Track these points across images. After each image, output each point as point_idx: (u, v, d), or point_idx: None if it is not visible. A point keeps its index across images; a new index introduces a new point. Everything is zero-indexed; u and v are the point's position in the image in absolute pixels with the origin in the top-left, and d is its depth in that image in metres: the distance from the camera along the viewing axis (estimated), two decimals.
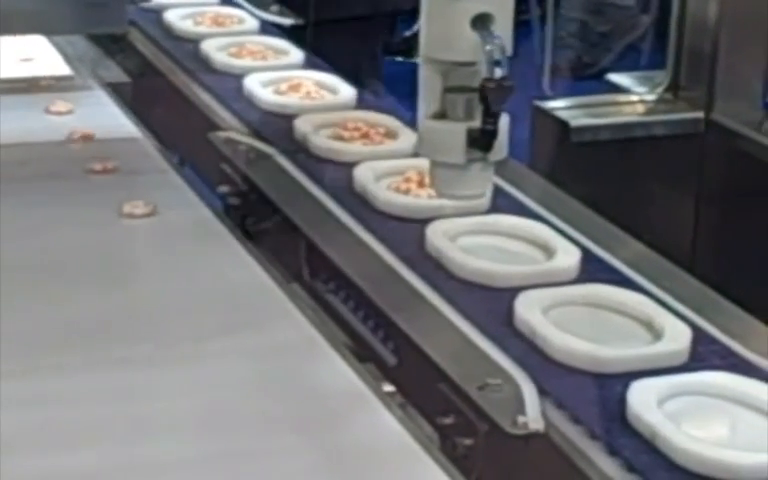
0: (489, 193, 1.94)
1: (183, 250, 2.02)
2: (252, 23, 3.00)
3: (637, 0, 5.40)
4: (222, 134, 2.42)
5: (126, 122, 2.53)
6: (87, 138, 2.46)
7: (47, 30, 2.73)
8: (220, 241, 2.04)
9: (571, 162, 2.74)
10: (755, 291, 1.91)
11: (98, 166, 2.29)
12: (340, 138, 2.27)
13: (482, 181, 1.76)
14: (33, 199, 2.18)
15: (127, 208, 2.11)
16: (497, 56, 1.67)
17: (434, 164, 1.74)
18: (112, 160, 2.32)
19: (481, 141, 1.69)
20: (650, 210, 2.62)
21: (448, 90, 1.72)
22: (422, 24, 1.74)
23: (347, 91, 2.51)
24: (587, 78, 5.00)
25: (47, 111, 2.56)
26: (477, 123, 1.69)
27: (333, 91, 2.52)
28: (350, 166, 2.13)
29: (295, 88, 2.51)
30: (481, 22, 1.68)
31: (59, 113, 2.57)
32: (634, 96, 2.91)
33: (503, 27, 1.68)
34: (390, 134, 2.27)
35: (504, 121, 1.68)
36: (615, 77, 3.16)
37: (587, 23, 5.99)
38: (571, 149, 2.80)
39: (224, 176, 2.33)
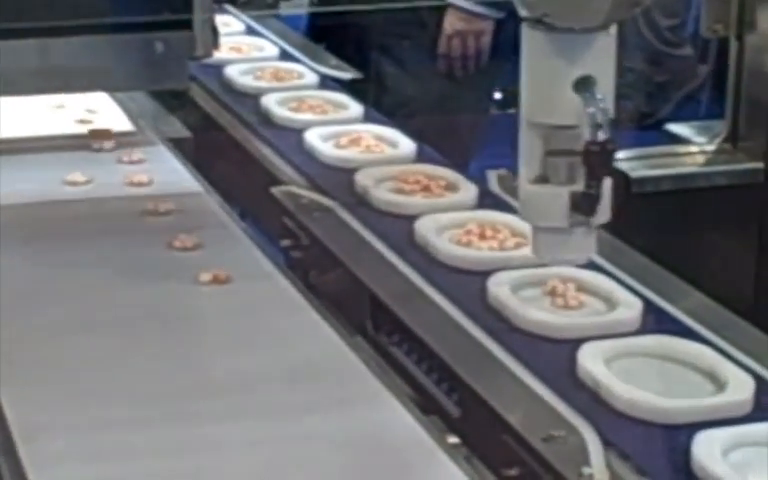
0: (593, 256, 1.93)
1: (245, 304, 2.05)
2: (312, 78, 3.04)
3: (695, 50, 5.37)
4: (283, 188, 2.45)
5: (187, 176, 2.57)
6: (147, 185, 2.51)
7: (109, 87, 2.77)
8: (283, 295, 2.07)
9: (632, 213, 2.67)
10: None
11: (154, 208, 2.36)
12: (401, 191, 2.30)
13: (585, 245, 1.75)
14: (99, 253, 2.23)
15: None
16: (600, 119, 1.66)
17: (536, 229, 1.74)
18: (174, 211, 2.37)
19: (584, 205, 1.68)
20: (711, 260, 2.60)
21: (550, 154, 1.71)
22: (522, 87, 1.74)
23: (407, 144, 2.54)
24: (646, 128, 4.99)
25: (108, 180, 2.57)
26: (580, 187, 1.67)
27: (393, 144, 2.55)
28: (411, 219, 2.16)
29: (355, 142, 2.55)
30: (583, 85, 1.67)
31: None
32: (693, 147, 2.90)
33: (605, 90, 1.67)
34: (451, 187, 2.30)
35: (607, 184, 1.68)
36: (674, 127, 3.16)
37: (645, 73, 5.97)
38: (631, 200, 2.78)
39: (286, 230, 2.36)
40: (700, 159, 2.75)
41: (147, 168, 2.57)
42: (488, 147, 4.23)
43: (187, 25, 2.56)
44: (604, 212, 1.69)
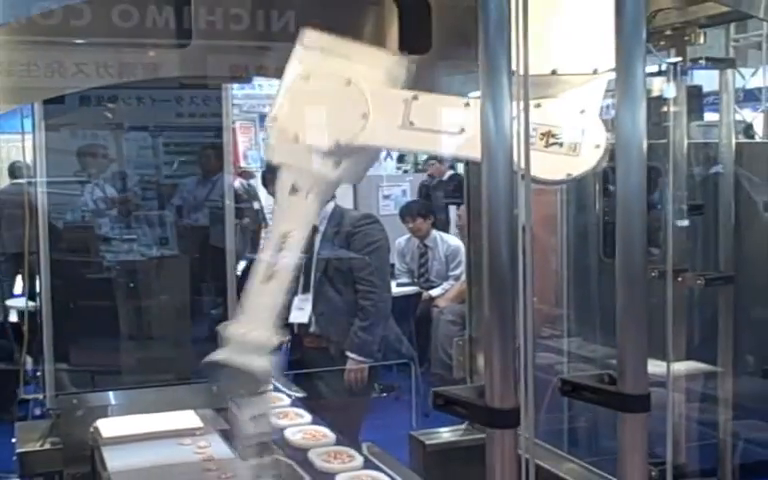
0: None
1: None
2: (286, 401, 3.45)
3: None
4: (272, 457, 2.55)
5: (227, 449, 2.90)
6: (209, 458, 2.81)
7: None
8: None
9: (424, 463, 3.10)
10: None
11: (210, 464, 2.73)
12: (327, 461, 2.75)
13: None
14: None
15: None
16: None
17: None
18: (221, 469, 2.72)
19: None
20: None
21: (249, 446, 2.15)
22: None
23: (331, 436, 3.00)
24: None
25: (188, 452, 2.92)
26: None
27: (325, 435, 3.01)
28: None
29: (311, 436, 3.01)
30: None
31: (199, 448, 2.96)
32: None
33: None
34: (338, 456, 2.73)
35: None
36: None
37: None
38: (426, 457, 3.13)
39: (273, 475, 2.53)
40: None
41: (208, 445, 2.96)
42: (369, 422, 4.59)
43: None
44: None
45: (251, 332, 2.02)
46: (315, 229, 4.62)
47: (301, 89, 1.91)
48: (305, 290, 4.57)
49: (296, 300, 4.60)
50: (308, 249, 4.60)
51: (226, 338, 2.06)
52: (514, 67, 1.54)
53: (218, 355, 2.05)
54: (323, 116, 1.91)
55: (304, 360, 4.51)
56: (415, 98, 1.88)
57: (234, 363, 2.02)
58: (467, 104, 1.88)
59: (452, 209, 8.99)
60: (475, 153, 1.82)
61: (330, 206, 4.60)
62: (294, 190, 1.98)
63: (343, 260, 4.41)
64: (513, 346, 1.56)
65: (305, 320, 4.55)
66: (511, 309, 1.57)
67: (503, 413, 1.50)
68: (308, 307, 4.53)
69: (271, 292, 2.06)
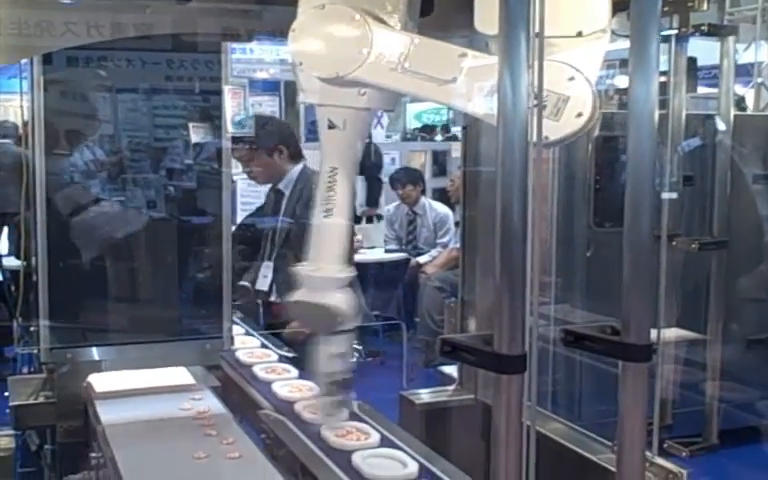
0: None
1: (234, 462, 2.47)
2: (274, 357, 3.59)
3: None
4: (261, 411, 2.95)
5: (219, 405, 3.00)
6: (203, 415, 2.88)
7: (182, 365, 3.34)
8: (258, 464, 2.51)
9: (414, 422, 3.19)
10: None
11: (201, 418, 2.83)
12: (313, 413, 2.79)
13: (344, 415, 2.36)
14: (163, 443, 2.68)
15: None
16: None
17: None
18: (214, 425, 2.79)
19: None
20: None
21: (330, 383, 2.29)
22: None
23: (317, 390, 2.85)
24: (433, 367, 5.23)
25: (181, 408, 2.98)
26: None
27: (311, 389, 3.01)
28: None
29: (297, 389, 3.08)
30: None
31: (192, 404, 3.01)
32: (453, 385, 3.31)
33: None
34: None
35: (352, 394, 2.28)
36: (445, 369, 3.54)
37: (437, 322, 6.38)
38: (416, 414, 3.23)
39: (263, 429, 2.84)
40: (450, 391, 3.30)
41: (199, 403, 3.02)
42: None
43: (219, 337, 3.31)
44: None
45: (319, 269, 2.10)
46: (281, 194, 4.55)
47: (311, 22, 1.99)
48: (270, 257, 4.55)
49: (262, 267, 4.57)
50: (275, 215, 4.60)
51: (300, 278, 2.13)
52: None
53: (295, 295, 2.13)
54: (328, 46, 1.96)
55: (275, 325, 4.41)
56: (413, 41, 1.95)
57: (309, 300, 2.10)
58: (463, 55, 1.89)
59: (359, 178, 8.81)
60: (464, 104, 1.90)
61: (298, 167, 4.51)
62: (331, 125, 2.04)
63: (304, 225, 4.27)
64: (522, 296, 1.61)
65: (266, 288, 4.49)
66: (521, 262, 1.61)
67: (511, 359, 1.52)
68: (271, 274, 4.49)
69: (331, 227, 2.12)
